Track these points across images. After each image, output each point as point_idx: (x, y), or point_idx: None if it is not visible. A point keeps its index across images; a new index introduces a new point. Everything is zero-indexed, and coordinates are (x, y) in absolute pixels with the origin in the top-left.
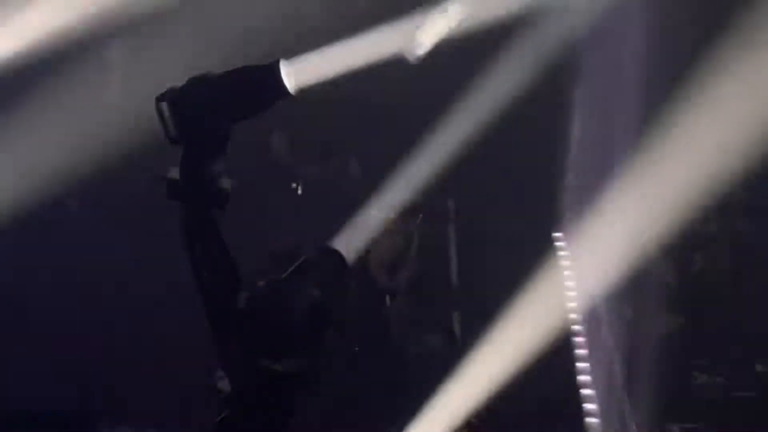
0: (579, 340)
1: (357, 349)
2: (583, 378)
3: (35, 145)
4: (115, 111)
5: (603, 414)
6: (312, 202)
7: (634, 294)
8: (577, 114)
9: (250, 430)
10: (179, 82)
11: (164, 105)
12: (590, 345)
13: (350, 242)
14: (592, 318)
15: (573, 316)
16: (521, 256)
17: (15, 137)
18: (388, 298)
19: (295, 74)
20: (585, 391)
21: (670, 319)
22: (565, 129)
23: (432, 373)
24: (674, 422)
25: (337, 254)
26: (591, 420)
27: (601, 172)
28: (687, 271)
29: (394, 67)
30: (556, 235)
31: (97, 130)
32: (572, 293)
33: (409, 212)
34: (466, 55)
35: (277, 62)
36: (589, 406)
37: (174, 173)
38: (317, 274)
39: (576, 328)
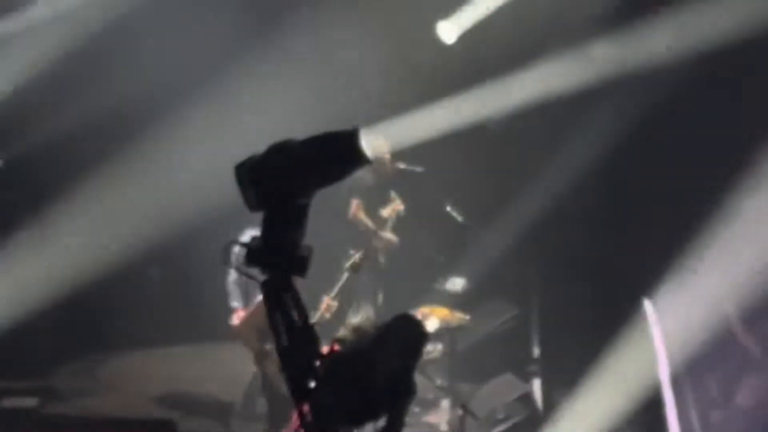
0: (667, 406)
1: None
2: None
3: (116, 212)
4: (197, 178)
5: None
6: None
7: (719, 362)
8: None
9: None
10: (259, 149)
11: (244, 172)
12: (678, 411)
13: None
14: (677, 384)
15: (662, 382)
16: (605, 322)
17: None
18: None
19: (372, 140)
20: None
21: (754, 389)
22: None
23: None
24: None
25: (417, 322)
26: None
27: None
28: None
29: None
30: (645, 300)
31: (180, 197)
32: (660, 359)
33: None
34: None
35: (357, 129)
36: None
37: (254, 240)
38: (398, 342)
39: (663, 394)
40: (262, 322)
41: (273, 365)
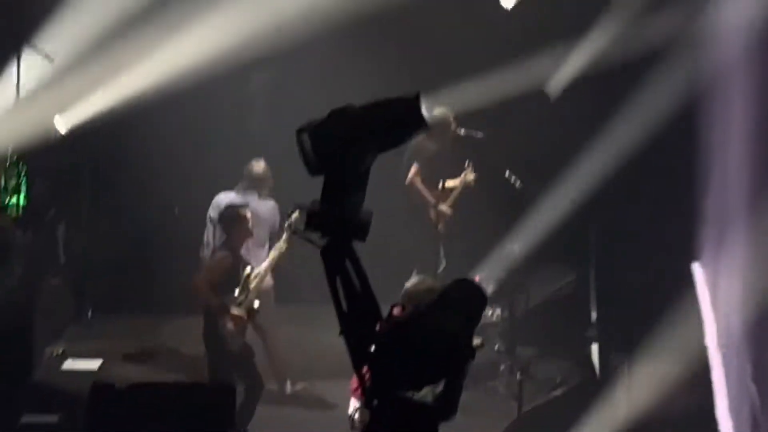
0: (717, 372)
1: (520, 378)
2: (720, 411)
3: (177, 176)
4: (257, 142)
5: None
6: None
7: None
8: (717, 143)
9: None
10: (320, 114)
11: (305, 137)
12: (728, 377)
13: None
14: (729, 349)
15: (711, 346)
16: (659, 287)
17: (157, 167)
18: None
19: (433, 107)
20: (722, 425)
21: None
22: (705, 157)
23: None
24: None
25: (476, 286)
26: None
27: (742, 201)
28: None
29: (532, 101)
30: (694, 265)
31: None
32: (710, 324)
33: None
34: (608, 84)
35: (418, 95)
36: None
37: (315, 205)
38: (458, 306)
39: (714, 359)
40: (221, 276)
41: (230, 322)
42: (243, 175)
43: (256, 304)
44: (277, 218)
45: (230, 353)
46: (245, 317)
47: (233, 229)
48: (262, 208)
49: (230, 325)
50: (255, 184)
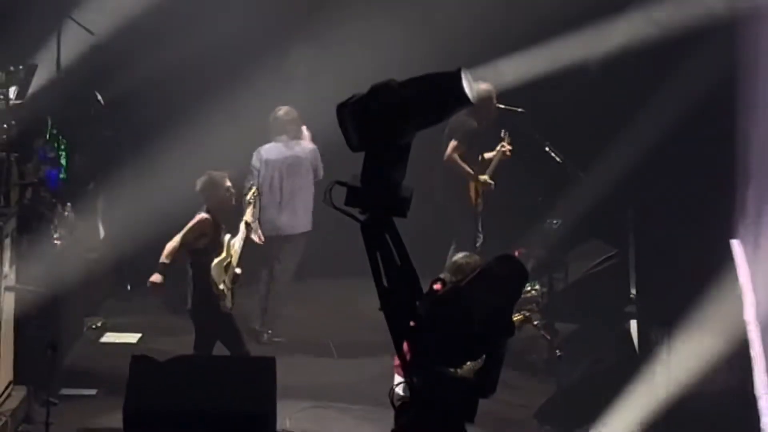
0: (756, 348)
1: (559, 354)
2: (758, 387)
3: (216, 148)
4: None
5: None
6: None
7: None
8: (756, 119)
9: None
10: (362, 89)
11: (346, 113)
12: (767, 353)
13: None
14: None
15: (749, 323)
16: (698, 263)
17: (197, 140)
18: None
19: (474, 82)
20: (762, 401)
21: None
22: (744, 134)
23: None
24: None
25: (517, 262)
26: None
27: None
28: None
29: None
30: (733, 241)
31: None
32: (750, 300)
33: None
34: (649, 61)
35: (459, 70)
36: (764, 416)
37: (355, 180)
38: (497, 281)
39: (752, 335)
40: (199, 240)
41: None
42: (270, 127)
43: (239, 270)
44: (319, 163)
45: (221, 313)
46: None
47: (211, 194)
48: (299, 152)
49: (223, 287)
50: (283, 129)
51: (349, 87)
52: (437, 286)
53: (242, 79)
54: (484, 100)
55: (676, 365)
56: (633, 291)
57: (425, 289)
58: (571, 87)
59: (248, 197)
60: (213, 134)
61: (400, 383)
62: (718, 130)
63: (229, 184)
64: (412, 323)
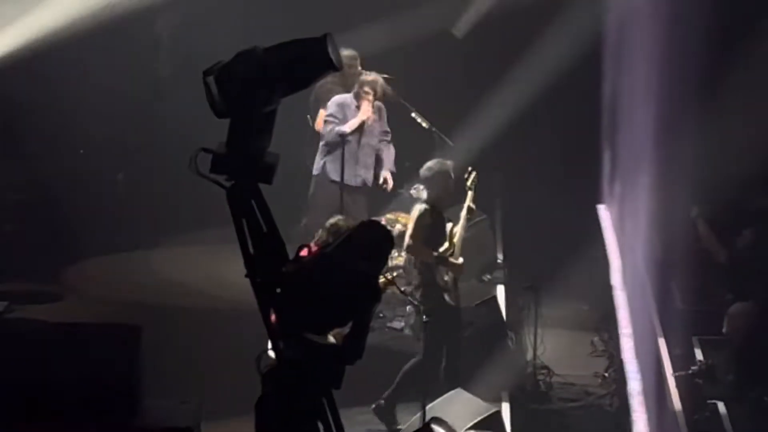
0: (622, 311)
1: (426, 320)
2: (625, 350)
3: (84, 117)
4: (163, 84)
5: (645, 389)
6: None
7: (678, 269)
8: (622, 85)
9: (294, 402)
10: (227, 56)
11: (212, 79)
12: (633, 317)
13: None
14: (634, 290)
15: (615, 287)
16: (564, 228)
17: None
18: None
19: (340, 48)
20: (627, 365)
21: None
22: (612, 99)
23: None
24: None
25: (382, 228)
26: (634, 393)
27: (645, 143)
28: (736, 247)
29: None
30: (599, 206)
31: (146, 103)
32: (616, 264)
33: None
34: (511, 30)
35: (325, 36)
36: (631, 380)
37: (221, 147)
38: (364, 247)
39: (617, 300)
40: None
41: (448, 274)
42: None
43: (461, 260)
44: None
45: (447, 305)
46: (463, 266)
47: (436, 182)
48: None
49: (447, 278)
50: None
51: (214, 55)
52: (303, 252)
53: (108, 51)
54: (350, 66)
55: (544, 330)
56: (500, 256)
57: (292, 256)
58: (438, 52)
59: (468, 183)
60: (79, 107)
61: (267, 350)
62: (585, 94)
63: (446, 168)
64: (278, 290)
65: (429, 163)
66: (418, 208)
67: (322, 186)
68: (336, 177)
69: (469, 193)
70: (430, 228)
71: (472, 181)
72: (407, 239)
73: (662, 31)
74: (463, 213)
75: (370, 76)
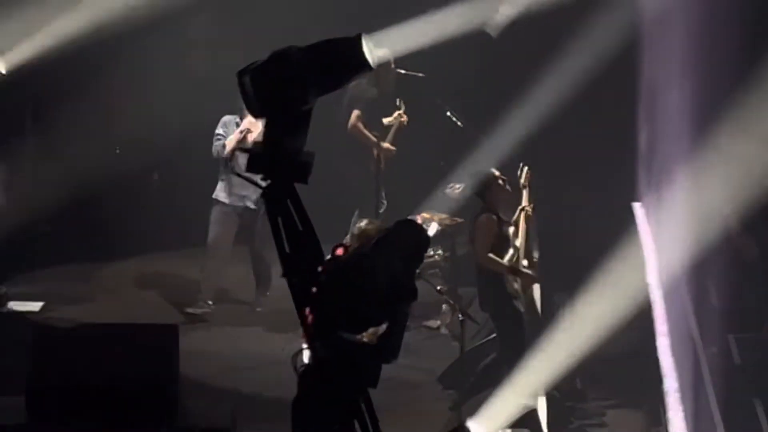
0: (658, 310)
1: (462, 318)
2: (661, 348)
3: (120, 118)
4: (199, 85)
5: (681, 388)
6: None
7: (714, 267)
8: (658, 83)
9: (330, 401)
10: (262, 56)
11: (247, 79)
12: (669, 315)
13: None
14: (670, 288)
15: (652, 286)
16: (601, 226)
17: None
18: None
19: (374, 48)
20: (664, 362)
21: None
22: (649, 96)
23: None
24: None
25: (418, 227)
26: (670, 391)
27: (680, 141)
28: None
29: (473, 41)
30: (635, 204)
31: (182, 104)
32: (652, 262)
33: None
34: (545, 28)
35: (359, 36)
36: (667, 378)
37: (257, 146)
38: (399, 246)
39: (654, 298)
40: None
41: (517, 283)
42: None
43: (525, 262)
44: None
45: (517, 312)
46: (534, 275)
47: (484, 191)
48: None
49: (517, 285)
50: None
51: (250, 54)
52: (339, 251)
53: (144, 47)
54: (384, 65)
55: (579, 328)
56: (536, 254)
57: (327, 255)
58: (472, 51)
59: (522, 180)
60: (115, 103)
61: (303, 349)
62: (621, 91)
63: (497, 173)
64: (314, 289)
65: (474, 171)
66: (483, 219)
67: (216, 207)
68: (222, 198)
69: (524, 192)
70: (497, 237)
71: (526, 177)
72: (480, 252)
73: (698, 27)
74: (522, 216)
75: None
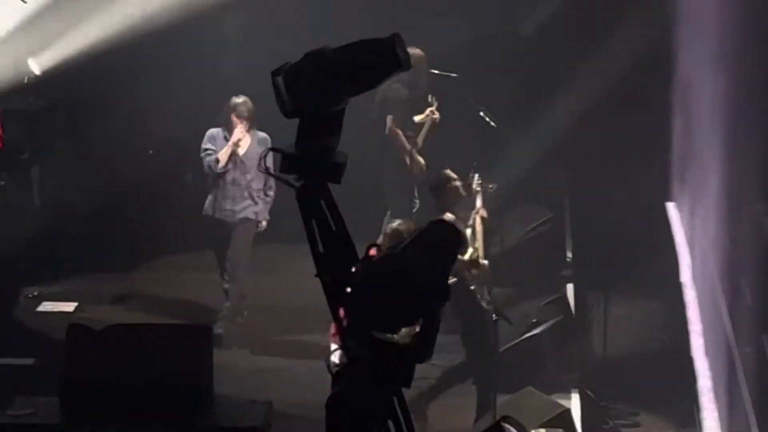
0: (692, 310)
1: (496, 318)
2: (695, 347)
3: (153, 118)
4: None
5: (715, 385)
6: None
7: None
8: (692, 82)
9: (364, 402)
10: (295, 57)
11: (280, 80)
12: (703, 315)
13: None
14: (704, 287)
15: (686, 285)
16: (634, 226)
17: (134, 110)
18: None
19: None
20: (698, 362)
21: None
22: (682, 96)
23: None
24: None
25: (452, 226)
26: (704, 391)
27: (714, 140)
28: None
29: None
30: (669, 204)
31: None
32: (685, 261)
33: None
34: (577, 28)
35: (393, 36)
36: (701, 377)
37: (290, 147)
38: (433, 246)
39: (688, 297)
40: None
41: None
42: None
43: (485, 262)
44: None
45: (487, 321)
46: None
47: (438, 192)
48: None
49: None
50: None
51: (283, 54)
52: (373, 252)
53: (178, 47)
54: (418, 65)
55: (612, 328)
56: (569, 254)
57: (361, 255)
58: (505, 51)
59: (474, 186)
60: (149, 105)
61: (336, 350)
62: (654, 91)
63: (453, 175)
64: (348, 289)
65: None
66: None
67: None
68: (209, 211)
69: (477, 197)
70: None
71: (477, 182)
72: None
73: (732, 23)
74: (477, 218)
75: (240, 98)
